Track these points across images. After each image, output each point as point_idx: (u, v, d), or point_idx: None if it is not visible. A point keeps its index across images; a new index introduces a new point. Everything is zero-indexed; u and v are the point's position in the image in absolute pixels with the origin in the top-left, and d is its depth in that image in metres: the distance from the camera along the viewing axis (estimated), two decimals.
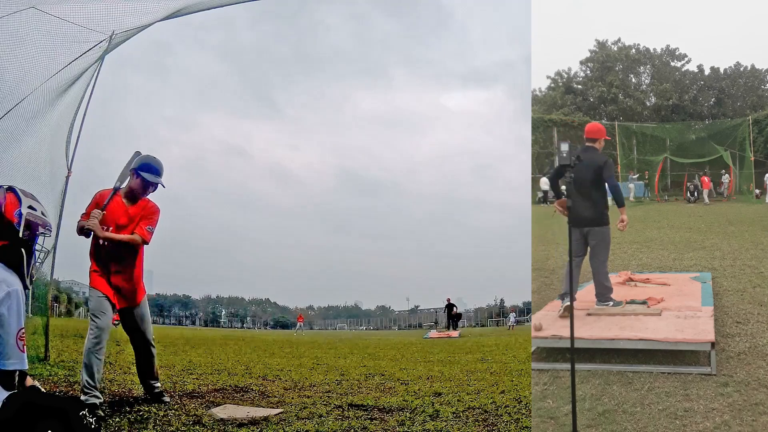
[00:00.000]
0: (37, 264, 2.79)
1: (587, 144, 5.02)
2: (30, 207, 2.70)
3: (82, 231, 3.91)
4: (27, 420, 2.31)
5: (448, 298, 26.49)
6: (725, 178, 20.36)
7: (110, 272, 3.96)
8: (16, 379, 2.44)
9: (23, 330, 2.44)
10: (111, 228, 3.94)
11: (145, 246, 4.09)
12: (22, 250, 2.61)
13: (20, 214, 2.64)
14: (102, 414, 3.54)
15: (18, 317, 2.43)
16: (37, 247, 2.75)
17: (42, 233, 2.77)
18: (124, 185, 4.03)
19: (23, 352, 2.42)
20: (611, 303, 5.04)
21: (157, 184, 4.06)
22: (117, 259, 3.98)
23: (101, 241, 3.93)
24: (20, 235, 2.63)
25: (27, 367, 2.48)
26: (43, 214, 2.77)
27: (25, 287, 2.65)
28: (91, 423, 2.46)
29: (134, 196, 4.04)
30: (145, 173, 4.00)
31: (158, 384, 4.29)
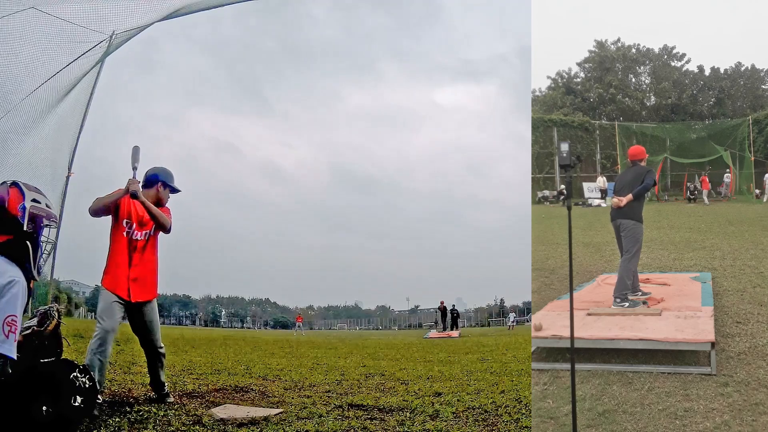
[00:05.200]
0: (44, 255, 2.80)
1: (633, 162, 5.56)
2: (34, 200, 2.74)
3: (99, 211, 3.99)
4: (19, 393, 2.30)
5: (441, 301, 26.79)
6: (727, 178, 20.34)
7: (131, 263, 4.05)
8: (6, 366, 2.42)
9: (13, 317, 2.43)
10: (134, 224, 4.08)
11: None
12: (27, 243, 2.63)
13: (24, 208, 2.67)
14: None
15: (12, 304, 2.43)
16: (43, 238, 2.77)
17: (47, 225, 2.79)
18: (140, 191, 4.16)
19: (7, 337, 2.40)
20: (627, 304, 5.04)
21: (176, 190, 4.35)
22: (138, 250, 4.09)
23: (125, 233, 4.03)
24: (24, 228, 2.65)
25: (13, 356, 2.44)
26: (47, 206, 2.80)
27: (33, 279, 2.67)
28: (85, 383, 2.45)
29: (160, 204, 4.25)
30: (171, 184, 4.30)
31: (165, 387, 4.32)
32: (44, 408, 2.32)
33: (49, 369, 2.57)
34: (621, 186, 5.42)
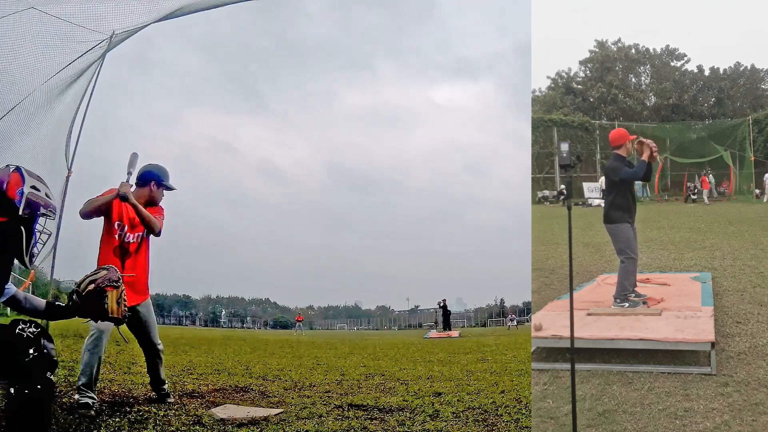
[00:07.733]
0: (38, 245, 2.81)
1: (614, 152, 5.17)
2: (33, 187, 2.75)
3: (91, 214, 3.93)
4: None
5: (444, 299, 26.53)
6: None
7: (124, 267, 4.00)
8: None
9: None
10: (126, 226, 4.04)
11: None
12: (21, 228, 2.65)
13: (22, 193, 2.69)
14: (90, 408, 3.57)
15: None
16: (38, 227, 2.78)
17: (44, 214, 2.79)
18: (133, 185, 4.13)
19: None
20: (627, 304, 5.01)
21: (170, 188, 4.27)
22: (131, 253, 4.06)
23: (117, 236, 4.01)
24: (20, 213, 2.67)
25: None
26: (47, 195, 2.80)
27: (25, 266, 2.70)
28: (32, 333, 2.50)
29: (153, 203, 4.20)
30: (165, 182, 4.22)
31: (165, 386, 4.32)
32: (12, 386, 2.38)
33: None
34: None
